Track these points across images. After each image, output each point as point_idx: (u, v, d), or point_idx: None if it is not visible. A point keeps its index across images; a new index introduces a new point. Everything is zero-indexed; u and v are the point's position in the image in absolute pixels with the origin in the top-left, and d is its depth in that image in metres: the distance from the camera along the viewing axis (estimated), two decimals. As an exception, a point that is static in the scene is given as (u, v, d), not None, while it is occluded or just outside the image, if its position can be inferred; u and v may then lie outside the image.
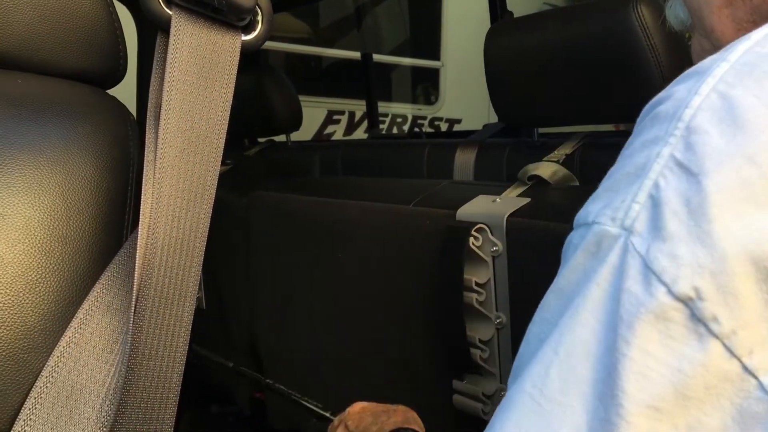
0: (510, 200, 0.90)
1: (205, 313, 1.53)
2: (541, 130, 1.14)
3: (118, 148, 0.47)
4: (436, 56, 3.68)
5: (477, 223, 0.88)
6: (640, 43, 0.86)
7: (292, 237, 1.22)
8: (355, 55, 3.01)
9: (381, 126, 3.54)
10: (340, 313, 1.13)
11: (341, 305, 1.13)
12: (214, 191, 0.47)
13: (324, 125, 3.30)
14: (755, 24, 0.39)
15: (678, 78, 0.30)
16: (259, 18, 0.51)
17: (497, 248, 0.86)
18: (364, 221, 1.08)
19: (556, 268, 0.89)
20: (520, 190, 0.94)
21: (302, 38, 3.29)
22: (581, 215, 0.31)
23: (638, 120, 0.32)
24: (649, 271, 0.25)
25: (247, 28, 0.50)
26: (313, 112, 3.19)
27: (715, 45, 0.42)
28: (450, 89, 3.71)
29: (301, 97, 1.66)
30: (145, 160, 0.44)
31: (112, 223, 0.46)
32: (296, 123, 1.59)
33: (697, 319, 0.24)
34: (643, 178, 0.27)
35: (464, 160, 1.20)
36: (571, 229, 0.34)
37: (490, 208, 0.89)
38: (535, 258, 0.84)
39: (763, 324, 0.24)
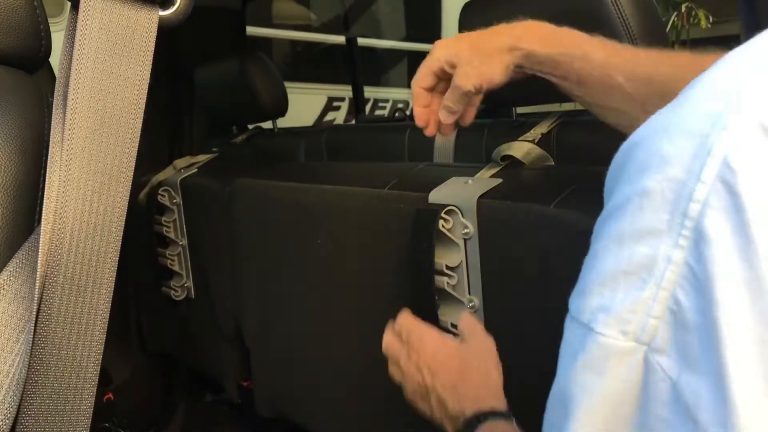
0: (482, 181, 0.88)
1: (193, 302, 1.52)
2: (521, 110, 1.11)
3: (30, 131, 0.45)
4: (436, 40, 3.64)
5: (447, 206, 0.85)
6: (611, 16, 0.83)
7: (273, 223, 1.20)
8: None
9: (382, 113, 3.51)
10: (319, 298, 1.11)
11: (321, 291, 1.11)
12: (131, 173, 0.45)
13: (324, 112, 3.28)
14: None
15: (665, 121, 0.25)
16: (179, -8, 0.48)
17: (468, 230, 0.84)
18: (340, 206, 1.06)
19: (527, 249, 0.87)
20: (494, 170, 0.91)
21: (306, 25, 3.26)
22: (573, 307, 0.28)
23: (615, 162, 0.28)
24: (682, 401, 0.23)
25: (166, 3, 0.48)
26: (313, 99, 3.17)
27: None
28: (451, 73, 3.66)
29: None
30: (50, 142, 0.42)
31: (21, 207, 0.44)
32: (281, 109, 1.57)
33: None
34: (653, 285, 0.24)
35: (444, 141, 1.17)
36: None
37: (462, 190, 0.87)
38: (507, 239, 0.81)
39: None
